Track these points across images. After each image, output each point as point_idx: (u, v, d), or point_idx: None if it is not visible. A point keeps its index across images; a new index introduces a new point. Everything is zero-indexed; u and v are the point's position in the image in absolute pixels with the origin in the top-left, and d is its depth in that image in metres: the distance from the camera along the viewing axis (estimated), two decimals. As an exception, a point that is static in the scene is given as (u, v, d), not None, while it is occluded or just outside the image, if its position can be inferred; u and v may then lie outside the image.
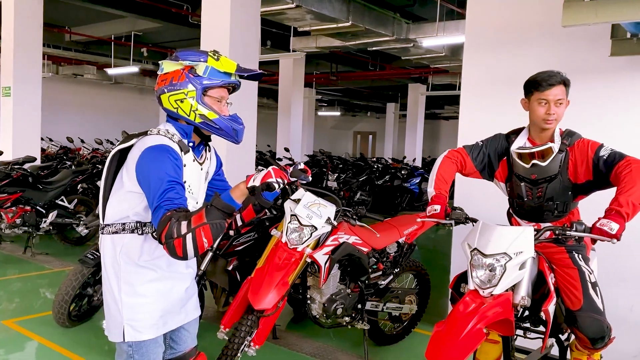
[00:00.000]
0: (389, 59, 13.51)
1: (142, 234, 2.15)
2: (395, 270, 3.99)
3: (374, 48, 9.88)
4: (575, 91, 3.87)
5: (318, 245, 3.37)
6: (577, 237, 2.41)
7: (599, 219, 2.33)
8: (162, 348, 2.29)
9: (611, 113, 3.82)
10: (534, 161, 2.71)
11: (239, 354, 3.07)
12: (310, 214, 3.25)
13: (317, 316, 3.62)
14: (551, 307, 2.53)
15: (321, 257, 3.32)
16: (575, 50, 3.92)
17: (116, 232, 2.17)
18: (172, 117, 2.21)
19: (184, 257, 1.94)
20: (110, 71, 13.29)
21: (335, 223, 3.40)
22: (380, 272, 3.90)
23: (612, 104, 3.81)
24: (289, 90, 12.44)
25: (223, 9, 5.54)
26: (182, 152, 2.13)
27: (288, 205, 3.28)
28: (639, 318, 3.75)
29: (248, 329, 3.06)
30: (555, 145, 2.69)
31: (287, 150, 11.14)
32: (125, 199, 2.15)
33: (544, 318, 2.59)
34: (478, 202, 3.98)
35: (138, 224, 2.15)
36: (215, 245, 3.76)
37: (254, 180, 2.05)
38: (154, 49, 12.86)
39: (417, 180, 12.33)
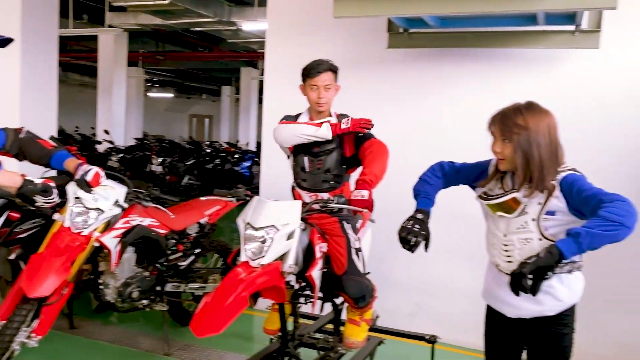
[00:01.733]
0: (219, 41, 13.40)
1: None
2: (197, 250, 4.04)
3: (197, 29, 9.75)
4: (357, 80, 4.26)
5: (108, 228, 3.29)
6: (339, 209, 2.70)
7: (351, 191, 2.66)
8: None
9: (388, 102, 4.25)
10: None
11: (14, 346, 2.89)
12: (96, 197, 3.15)
13: (112, 301, 3.53)
14: (316, 273, 2.77)
15: (110, 240, 3.24)
16: (361, 41, 4.29)
17: None
18: None
19: None
20: None
21: (125, 205, 3.34)
22: (180, 254, 3.93)
23: (388, 93, 4.24)
24: (110, 68, 11.71)
25: (13, -25, 5.03)
26: None
27: (71, 187, 3.13)
28: (413, 280, 4.27)
29: (23, 319, 2.89)
30: (333, 119, 2.99)
31: (106, 132, 10.51)
32: None
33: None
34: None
35: None
36: (-6, 234, 3.48)
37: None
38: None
39: (248, 164, 12.49)
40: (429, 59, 4.11)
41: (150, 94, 22.84)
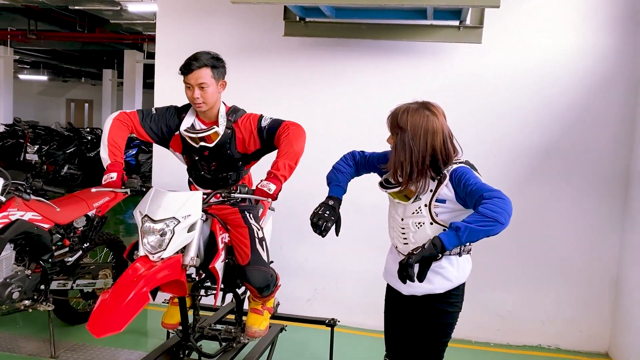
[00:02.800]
0: (100, 21, 12.55)
1: None
2: (85, 245, 3.80)
3: (76, 7, 9.10)
4: (253, 66, 4.22)
5: (-18, 224, 2.99)
6: (240, 199, 2.66)
7: (261, 180, 2.59)
8: None
9: (284, 89, 4.25)
10: (202, 143, 2.79)
11: None
12: (-32, 190, 2.85)
13: (-12, 304, 3.23)
14: (219, 265, 2.72)
15: (-15, 237, 2.95)
16: (258, 28, 4.24)
17: None
18: None
19: None
20: None
21: (3, 199, 3.06)
22: (66, 249, 3.68)
23: (285, 80, 4.24)
24: (-27, 47, 10.54)
25: None
26: None
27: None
28: (311, 267, 4.35)
29: None
30: (221, 128, 2.76)
31: (-30, 118, 9.50)
32: None
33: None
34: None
35: None
36: None
37: None
38: None
39: (134, 152, 11.85)
40: (325, 49, 4.17)
41: (21, 76, 20.93)
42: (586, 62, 3.90)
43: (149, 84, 20.25)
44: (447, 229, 2.00)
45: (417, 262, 1.95)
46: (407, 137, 2.11)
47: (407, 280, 1.99)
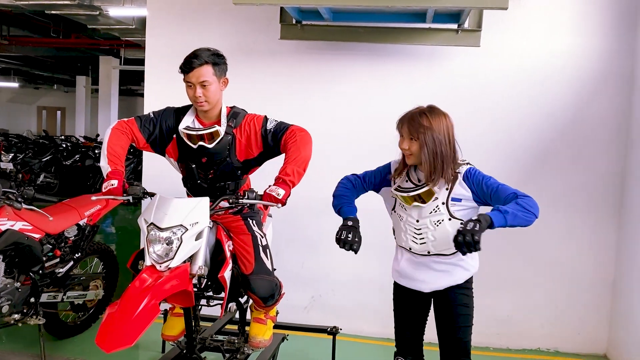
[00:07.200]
0: (76, 27, 12.27)
1: None
2: (76, 255, 3.66)
3: (53, 12, 8.83)
4: (248, 69, 4.15)
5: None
6: (249, 204, 2.57)
7: (270, 185, 2.50)
8: None
9: (279, 93, 4.18)
10: (201, 143, 2.69)
11: None
12: (-44, 199, 2.70)
13: (-24, 319, 3.07)
14: (227, 274, 2.63)
15: (-26, 249, 2.80)
16: (252, 31, 4.17)
17: None
18: None
19: None
20: None
21: (-8, 208, 2.91)
22: (57, 260, 3.53)
23: (280, 84, 4.17)
24: (-58, 52, 10.18)
25: None
26: None
27: None
28: (308, 274, 4.26)
29: None
30: (222, 129, 2.68)
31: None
32: None
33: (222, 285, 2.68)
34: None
35: None
36: None
37: None
38: None
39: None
40: (322, 52, 4.12)
41: (-10, 83, 20.37)
42: (583, 64, 3.93)
43: (124, 91, 19.90)
44: (491, 211, 2.14)
45: (481, 233, 2.03)
46: (434, 135, 2.28)
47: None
